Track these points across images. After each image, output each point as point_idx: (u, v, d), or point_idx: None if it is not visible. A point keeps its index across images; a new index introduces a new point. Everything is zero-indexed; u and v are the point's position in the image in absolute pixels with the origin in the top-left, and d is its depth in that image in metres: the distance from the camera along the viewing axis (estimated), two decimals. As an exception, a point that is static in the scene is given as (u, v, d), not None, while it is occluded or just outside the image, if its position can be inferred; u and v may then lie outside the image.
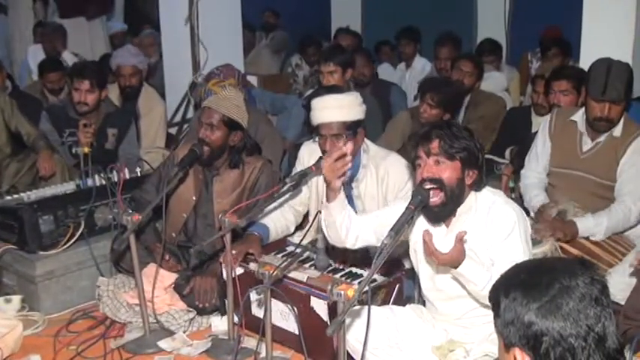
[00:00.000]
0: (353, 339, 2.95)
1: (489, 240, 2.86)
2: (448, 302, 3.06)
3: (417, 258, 3.13)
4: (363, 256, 3.58)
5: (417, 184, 2.90)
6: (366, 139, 3.82)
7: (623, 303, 2.96)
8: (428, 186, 2.83)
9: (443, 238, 2.94)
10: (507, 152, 5.06)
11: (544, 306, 1.62)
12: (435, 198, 2.84)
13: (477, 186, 2.93)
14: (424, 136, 2.89)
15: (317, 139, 3.75)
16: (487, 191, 2.97)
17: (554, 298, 1.63)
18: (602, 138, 3.92)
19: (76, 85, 5.05)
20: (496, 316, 1.73)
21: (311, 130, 3.88)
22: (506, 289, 1.71)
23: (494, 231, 2.86)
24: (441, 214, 2.92)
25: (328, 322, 3.27)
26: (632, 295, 2.93)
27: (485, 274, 2.71)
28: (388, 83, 6.51)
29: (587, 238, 3.81)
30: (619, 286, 3.29)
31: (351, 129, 3.64)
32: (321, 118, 3.65)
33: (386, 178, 3.74)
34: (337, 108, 3.62)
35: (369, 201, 3.78)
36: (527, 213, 3.78)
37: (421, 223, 3.04)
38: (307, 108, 4.46)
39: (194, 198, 4.14)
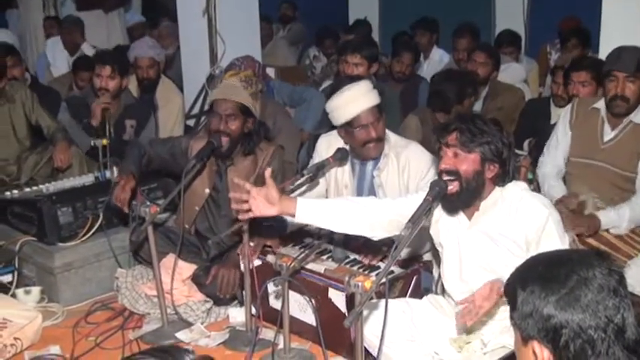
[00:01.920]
0: (369, 333, 2.93)
1: (522, 234, 2.85)
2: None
3: (443, 251, 3.12)
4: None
5: (437, 175, 2.92)
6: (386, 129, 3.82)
7: (640, 295, 2.95)
8: (445, 177, 2.85)
9: (465, 231, 2.98)
10: (526, 144, 5.02)
11: (563, 298, 1.61)
12: (451, 187, 2.85)
13: (501, 180, 2.92)
14: (443, 128, 2.91)
15: (346, 132, 3.72)
16: (513, 185, 2.95)
17: (573, 289, 1.62)
18: (622, 126, 3.88)
19: (98, 70, 5.08)
20: (513, 309, 1.71)
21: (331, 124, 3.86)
22: (523, 282, 1.69)
23: (526, 226, 2.84)
24: (456, 204, 2.93)
25: (346, 314, 3.27)
26: None
27: None
28: (418, 77, 6.49)
29: (607, 231, 3.78)
30: (638, 277, 3.27)
31: (381, 111, 3.70)
32: (354, 110, 3.64)
33: (407, 167, 3.74)
34: (363, 96, 3.66)
35: (390, 190, 3.77)
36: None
37: (448, 226, 3.06)
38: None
39: (207, 191, 4.13)
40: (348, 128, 3.72)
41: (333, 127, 3.92)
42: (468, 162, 2.84)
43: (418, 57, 6.69)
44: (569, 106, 4.20)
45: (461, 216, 3.01)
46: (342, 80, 4.62)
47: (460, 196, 2.88)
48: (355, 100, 3.64)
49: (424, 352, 3.04)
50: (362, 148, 3.72)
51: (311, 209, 2.98)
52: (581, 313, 1.60)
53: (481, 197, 2.92)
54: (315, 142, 4.19)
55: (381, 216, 3.04)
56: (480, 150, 2.83)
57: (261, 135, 4.11)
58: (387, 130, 3.83)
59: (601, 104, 3.97)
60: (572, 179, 4.08)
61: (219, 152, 3.97)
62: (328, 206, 3.05)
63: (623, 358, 1.61)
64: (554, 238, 2.82)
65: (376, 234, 3.10)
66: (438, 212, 3.08)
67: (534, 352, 1.66)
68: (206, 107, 6.31)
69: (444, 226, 3.08)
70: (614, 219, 3.75)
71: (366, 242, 3.62)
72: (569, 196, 3.90)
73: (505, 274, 2.71)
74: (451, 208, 2.97)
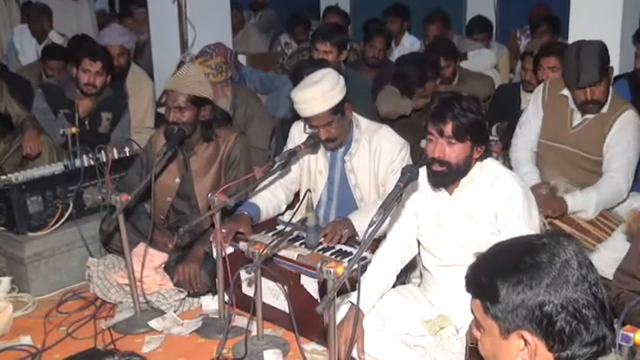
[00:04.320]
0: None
1: (492, 210, 2.97)
2: (444, 269, 3.14)
3: (420, 227, 3.19)
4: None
5: (425, 158, 3.01)
6: (355, 114, 3.82)
7: (610, 278, 2.98)
8: (436, 167, 2.95)
9: (447, 203, 3.08)
10: (494, 129, 5.06)
11: (554, 282, 1.61)
12: (440, 168, 2.95)
13: (483, 157, 3.02)
14: (438, 116, 2.93)
15: (307, 127, 3.73)
16: (491, 161, 3.07)
17: (561, 272, 1.62)
18: (591, 114, 3.92)
19: (87, 66, 4.96)
20: (494, 302, 1.67)
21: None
22: (501, 273, 1.67)
23: (496, 199, 2.96)
24: (442, 181, 3.02)
25: (318, 300, 3.28)
26: (625, 260, 2.96)
27: None
28: (391, 63, 6.48)
29: (575, 214, 3.82)
30: (607, 261, 3.31)
31: (338, 112, 3.64)
32: (307, 111, 3.63)
33: (378, 151, 3.75)
34: (319, 99, 3.58)
35: (361, 174, 3.80)
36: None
37: (423, 193, 3.14)
38: (293, 81, 4.45)
39: (177, 180, 4.12)
40: (307, 123, 3.74)
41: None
42: (459, 150, 2.92)
43: (390, 42, 6.69)
44: (540, 87, 4.21)
45: (442, 192, 3.09)
46: (307, 63, 4.60)
47: (447, 177, 2.98)
48: (307, 102, 3.60)
49: (395, 339, 3.07)
50: (321, 142, 3.75)
51: (371, 303, 3.08)
52: (573, 292, 1.61)
53: (464, 175, 3.02)
54: (283, 127, 4.17)
55: (398, 258, 3.22)
56: (470, 136, 2.91)
57: (219, 120, 4.10)
58: (356, 115, 3.83)
59: (569, 92, 4.00)
60: (543, 162, 4.12)
61: (169, 137, 3.93)
62: (375, 290, 3.12)
63: (608, 333, 1.64)
64: (519, 217, 2.92)
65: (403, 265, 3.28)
66: (419, 204, 3.15)
67: (525, 341, 1.65)
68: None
69: (422, 201, 3.15)
70: (581, 202, 3.80)
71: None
72: (541, 184, 3.94)
73: (480, 249, 2.78)
74: (435, 184, 3.06)
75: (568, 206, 3.78)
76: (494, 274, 1.68)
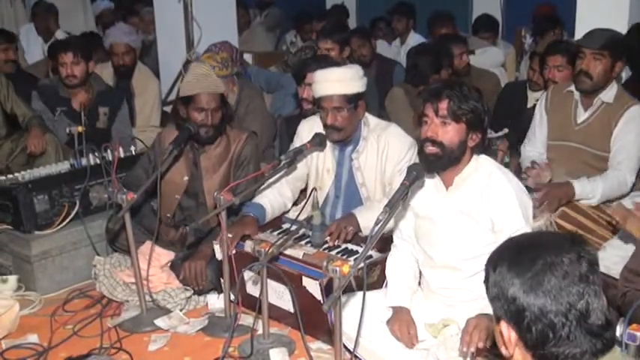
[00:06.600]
0: (346, 326, 2.94)
1: (488, 208, 2.93)
2: (436, 272, 3.13)
3: (417, 225, 3.18)
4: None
5: (420, 139, 2.97)
6: (365, 113, 3.82)
7: (617, 277, 2.97)
8: (429, 147, 2.90)
9: (443, 199, 3.05)
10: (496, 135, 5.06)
11: (526, 282, 1.63)
12: (432, 149, 2.90)
13: (479, 149, 2.99)
14: (434, 95, 2.91)
15: (319, 111, 3.74)
16: (485, 159, 3.02)
17: (537, 274, 1.63)
18: (594, 107, 3.94)
19: (61, 59, 5.03)
20: (487, 290, 1.74)
21: (299, 103, 3.85)
22: (494, 263, 1.71)
23: (491, 204, 2.92)
24: (434, 165, 2.96)
25: (321, 301, 3.28)
26: (632, 259, 2.96)
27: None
28: (392, 62, 6.47)
29: (581, 212, 3.82)
30: (614, 259, 3.30)
31: (352, 102, 3.65)
32: (323, 90, 3.64)
33: (386, 149, 3.75)
34: (338, 81, 3.61)
35: (368, 172, 3.80)
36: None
37: (424, 193, 3.12)
38: (296, 78, 4.45)
39: (186, 178, 4.11)
40: (318, 104, 3.74)
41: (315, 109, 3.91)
42: (454, 131, 2.88)
43: (367, 34, 6.59)
44: (543, 95, 4.26)
45: (439, 185, 3.06)
46: (309, 60, 4.61)
47: (440, 160, 2.92)
48: (326, 82, 3.62)
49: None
50: (325, 129, 3.74)
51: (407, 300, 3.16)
52: (542, 298, 1.61)
53: (459, 164, 2.96)
54: (288, 125, 4.17)
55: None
56: (466, 118, 2.87)
57: (230, 117, 4.12)
58: (366, 114, 3.82)
59: (574, 87, 4.02)
60: (551, 162, 4.12)
61: (200, 139, 3.95)
62: (407, 288, 3.19)
63: (585, 342, 1.62)
64: (518, 219, 2.90)
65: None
66: (422, 206, 3.14)
67: (501, 333, 1.70)
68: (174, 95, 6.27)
69: (422, 199, 3.13)
70: (588, 189, 3.82)
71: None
72: (542, 169, 3.95)
73: (472, 250, 2.78)
74: (428, 168, 2.98)
75: (576, 192, 3.79)
76: (490, 263, 1.75)
